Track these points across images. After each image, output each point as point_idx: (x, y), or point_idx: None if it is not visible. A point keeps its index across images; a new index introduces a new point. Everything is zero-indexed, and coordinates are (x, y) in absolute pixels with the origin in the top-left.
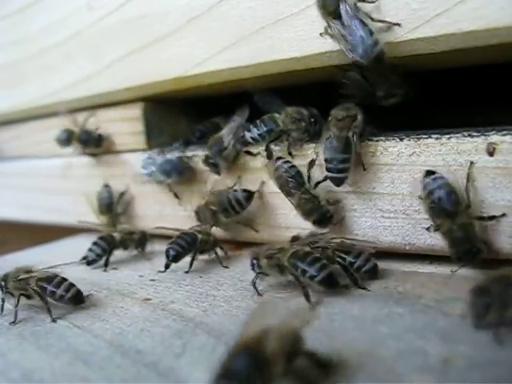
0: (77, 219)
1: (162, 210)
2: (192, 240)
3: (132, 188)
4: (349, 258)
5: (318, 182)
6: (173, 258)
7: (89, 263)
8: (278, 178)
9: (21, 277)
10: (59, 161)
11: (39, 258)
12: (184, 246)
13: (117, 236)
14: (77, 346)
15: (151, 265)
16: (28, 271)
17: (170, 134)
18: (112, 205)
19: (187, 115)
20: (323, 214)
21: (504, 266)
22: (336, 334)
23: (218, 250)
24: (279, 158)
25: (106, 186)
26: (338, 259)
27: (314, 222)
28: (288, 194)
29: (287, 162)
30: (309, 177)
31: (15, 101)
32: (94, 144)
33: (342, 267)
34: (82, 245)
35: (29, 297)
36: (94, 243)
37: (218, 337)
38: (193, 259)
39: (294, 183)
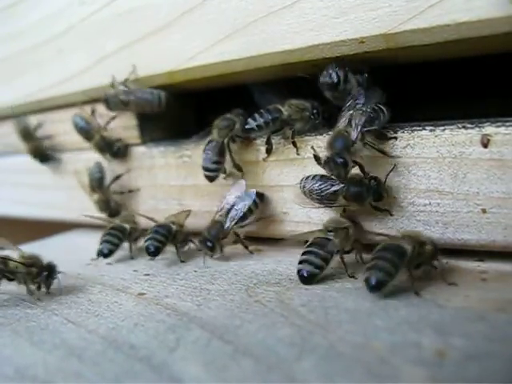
0: (70, 215)
1: (157, 205)
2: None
3: (126, 183)
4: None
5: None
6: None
7: (105, 255)
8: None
9: None
10: None
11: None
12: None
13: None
14: (70, 342)
15: (145, 259)
16: None
17: (164, 128)
18: (103, 181)
19: (181, 109)
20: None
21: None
22: (330, 328)
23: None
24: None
25: (98, 163)
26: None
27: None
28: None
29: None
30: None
31: (8, 96)
32: (111, 155)
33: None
34: (77, 240)
35: None
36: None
37: (212, 331)
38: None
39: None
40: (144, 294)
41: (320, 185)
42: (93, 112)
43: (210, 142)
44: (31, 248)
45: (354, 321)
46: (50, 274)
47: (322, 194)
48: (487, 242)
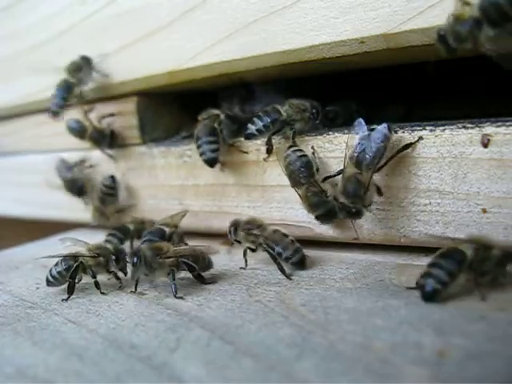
0: (73, 215)
1: (158, 204)
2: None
3: (128, 182)
4: (277, 249)
5: (328, 177)
6: None
7: None
8: (287, 167)
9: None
10: (55, 156)
11: (36, 253)
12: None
13: (131, 226)
14: (71, 341)
15: None
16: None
17: (164, 128)
18: (115, 196)
19: (181, 109)
20: (328, 209)
21: None
22: (331, 327)
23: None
24: (290, 147)
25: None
26: (268, 249)
27: (318, 217)
28: (295, 183)
29: (298, 150)
30: (317, 169)
31: (10, 96)
32: (107, 143)
33: (271, 256)
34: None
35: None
36: (110, 234)
37: (213, 330)
38: None
39: (303, 173)
40: (145, 293)
41: (300, 167)
42: (86, 112)
43: (199, 131)
44: (34, 248)
45: (355, 321)
46: (118, 258)
47: (296, 173)
48: None
